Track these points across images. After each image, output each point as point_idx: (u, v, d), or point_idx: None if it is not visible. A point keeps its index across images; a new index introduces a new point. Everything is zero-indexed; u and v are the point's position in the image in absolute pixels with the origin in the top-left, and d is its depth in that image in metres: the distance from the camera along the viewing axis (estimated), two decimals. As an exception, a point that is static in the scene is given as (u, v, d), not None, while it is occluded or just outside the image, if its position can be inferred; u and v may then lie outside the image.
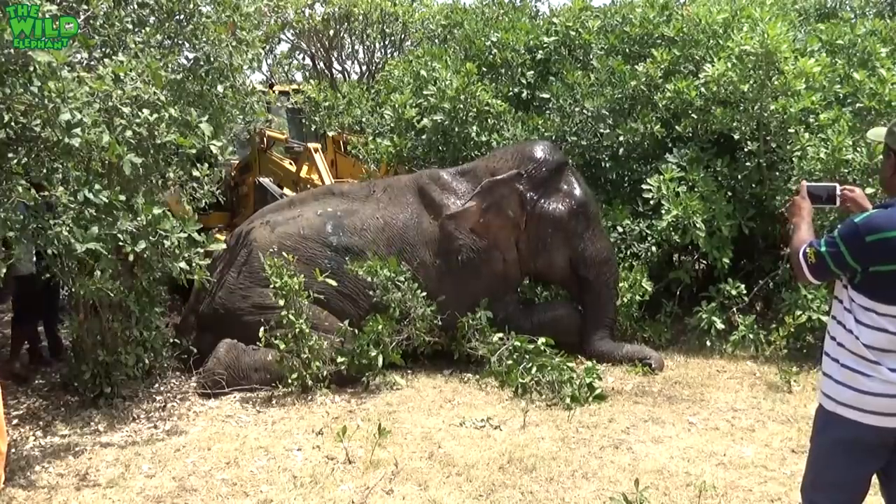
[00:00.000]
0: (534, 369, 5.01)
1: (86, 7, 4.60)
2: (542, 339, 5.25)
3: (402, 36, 16.24)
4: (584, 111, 6.98)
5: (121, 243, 3.98)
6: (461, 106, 7.03)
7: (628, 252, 6.50)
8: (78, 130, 3.54)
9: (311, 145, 8.62)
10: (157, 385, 5.23)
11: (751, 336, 5.82)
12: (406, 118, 7.49)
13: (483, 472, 3.73)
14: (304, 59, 18.27)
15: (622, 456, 3.94)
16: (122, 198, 3.92)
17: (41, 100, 3.51)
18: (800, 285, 5.68)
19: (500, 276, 5.74)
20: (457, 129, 7.13)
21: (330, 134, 9.76)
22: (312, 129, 9.96)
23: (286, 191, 8.35)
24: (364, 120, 9.30)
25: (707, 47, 6.80)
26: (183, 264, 4.22)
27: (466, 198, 5.78)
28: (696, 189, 6.21)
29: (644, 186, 6.33)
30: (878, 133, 2.32)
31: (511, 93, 7.60)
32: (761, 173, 6.39)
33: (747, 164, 6.45)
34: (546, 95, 7.33)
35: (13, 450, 4.00)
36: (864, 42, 6.77)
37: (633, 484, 3.25)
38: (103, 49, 4.83)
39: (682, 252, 7.18)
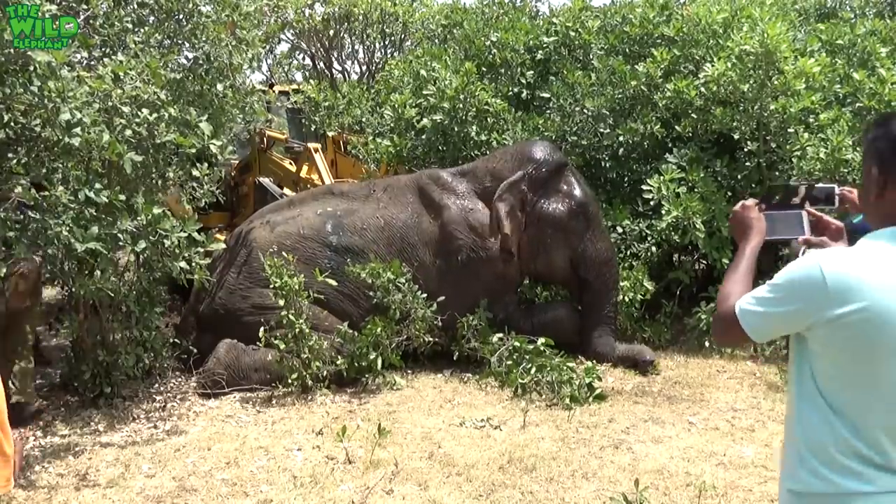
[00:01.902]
0: (533, 370, 5.01)
1: (86, 7, 4.60)
2: (541, 340, 5.25)
3: (402, 36, 16.25)
4: (585, 111, 6.98)
5: (121, 243, 3.98)
6: (461, 106, 7.03)
7: (628, 252, 6.50)
8: (78, 130, 3.55)
9: (311, 145, 8.63)
10: (157, 385, 5.22)
11: (750, 336, 5.81)
12: (406, 118, 7.50)
13: (483, 472, 3.73)
14: (304, 59, 18.30)
15: (622, 456, 3.94)
16: (122, 197, 3.92)
17: (41, 100, 3.52)
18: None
19: (499, 276, 5.73)
20: (456, 129, 7.14)
21: (330, 134, 9.77)
22: (312, 129, 9.96)
23: (286, 191, 8.35)
24: (364, 120, 9.31)
25: (707, 47, 6.80)
26: (183, 264, 4.22)
27: (466, 198, 5.78)
28: (696, 189, 6.22)
29: (644, 187, 6.34)
30: None
31: (511, 93, 7.60)
32: (761, 173, 6.40)
33: (747, 164, 6.45)
34: (546, 95, 7.34)
35: (13, 450, 4.00)
36: (864, 42, 6.79)
37: (633, 484, 3.25)
38: (103, 49, 4.83)
39: (682, 252, 7.19)
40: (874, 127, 1.55)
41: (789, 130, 6.18)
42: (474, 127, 7.11)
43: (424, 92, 7.32)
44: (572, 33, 7.67)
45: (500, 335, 5.45)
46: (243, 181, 9.24)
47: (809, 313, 1.43)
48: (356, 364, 5.12)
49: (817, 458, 1.47)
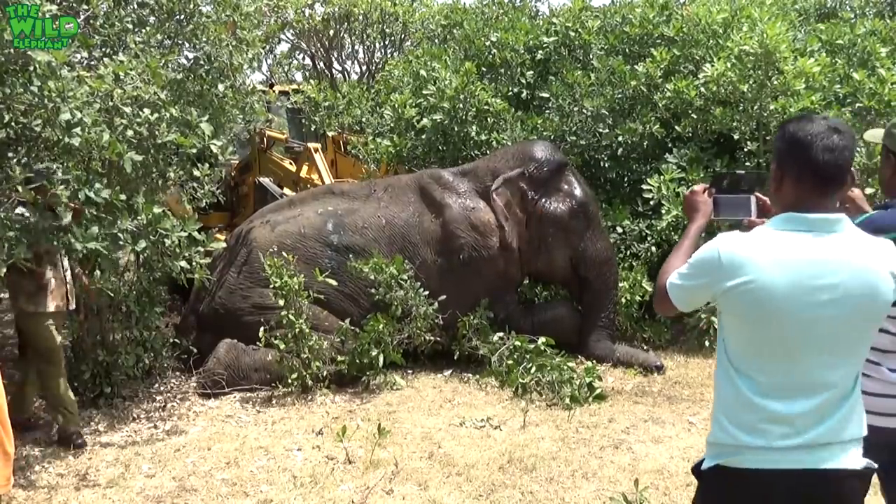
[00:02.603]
0: (534, 369, 5.01)
1: (86, 7, 4.60)
2: (542, 339, 5.25)
3: (402, 36, 16.25)
4: (584, 111, 6.99)
5: (121, 243, 3.98)
6: (461, 106, 7.04)
7: (628, 252, 6.50)
8: (78, 130, 3.54)
9: (311, 145, 8.63)
10: (157, 385, 5.22)
11: (750, 336, 5.82)
12: (406, 118, 7.50)
13: (483, 472, 3.73)
14: (304, 59, 18.29)
15: (622, 456, 3.94)
16: (123, 197, 3.92)
17: (41, 100, 3.51)
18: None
19: (501, 275, 5.74)
20: (456, 129, 7.14)
21: (330, 134, 9.77)
22: (312, 129, 9.96)
23: (286, 191, 8.35)
24: (364, 120, 9.31)
25: (707, 47, 6.81)
26: (183, 263, 4.22)
27: (467, 197, 5.79)
28: (695, 189, 6.21)
29: (644, 186, 6.34)
30: (875, 134, 2.32)
31: (510, 92, 7.61)
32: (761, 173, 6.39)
33: (747, 164, 6.46)
34: (546, 95, 7.34)
35: (13, 450, 4.00)
36: (864, 42, 6.79)
37: (633, 484, 3.25)
38: (103, 49, 4.83)
39: (681, 252, 7.17)
40: (778, 130, 1.76)
41: (789, 130, 6.17)
42: (474, 127, 7.11)
43: (424, 92, 7.32)
44: (572, 34, 7.67)
45: (501, 334, 5.45)
46: (243, 181, 9.24)
47: (711, 285, 1.68)
48: (357, 361, 5.11)
49: (724, 414, 1.70)
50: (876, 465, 1.77)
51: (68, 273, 4.37)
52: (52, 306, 4.23)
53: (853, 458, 1.65)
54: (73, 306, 4.43)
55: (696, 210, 1.98)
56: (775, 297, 1.60)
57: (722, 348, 1.72)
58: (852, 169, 1.70)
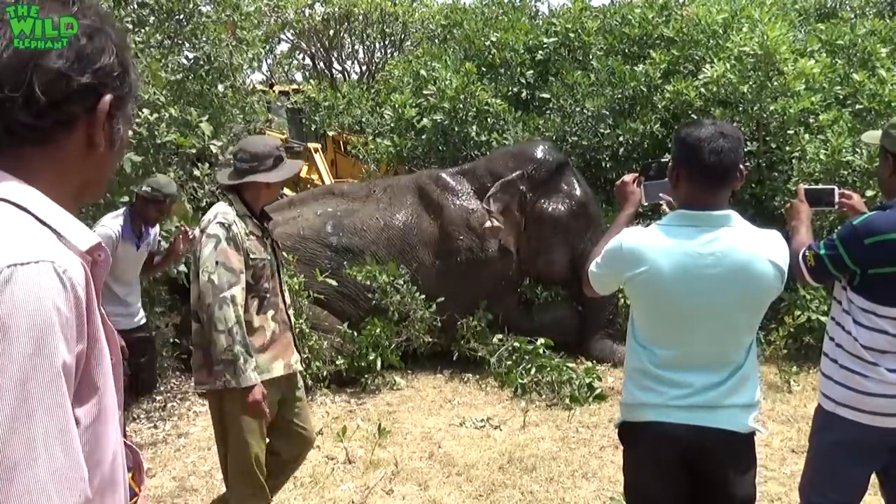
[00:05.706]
0: (533, 370, 5.01)
1: (86, 7, 4.60)
2: (541, 340, 5.25)
3: (402, 36, 16.27)
4: (584, 111, 6.99)
5: None
6: (461, 106, 7.04)
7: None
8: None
9: (311, 145, 8.64)
10: (157, 385, 5.22)
11: (750, 336, 5.82)
12: (406, 118, 7.51)
13: (483, 472, 3.73)
14: (304, 59, 18.31)
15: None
16: (125, 199, 3.92)
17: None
18: (798, 286, 5.68)
19: (499, 276, 5.73)
20: (456, 129, 7.14)
21: (330, 134, 9.78)
22: (312, 129, 9.97)
23: (286, 191, 8.36)
24: (364, 120, 9.32)
25: (706, 48, 6.81)
26: (182, 267, 4.23)
27: (466, 198, 5.79)
28: (695, 189, 6.22)
29: (644, 186, 6.34)
30: (872, 136, 2.33)
31: (510, 93, 7.61)
32: (760, 174, 6.40)
33: (747, 163, 6.46)
34: (546, 95, 7.34)
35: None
36: (864, 42, 6.79)
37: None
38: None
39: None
40: (674, 135, 1.94)
41: (789, 131, 6.18)
42: (474, 127, 7.12)
43: (424, 92, 7.33)
44: (572, 34, 7.67)
45: (500, 335, 5.45)
46: (243, 181, 9.23)
47: (618, 274, 1.93)
48: (355, 364, 5.11)
49: (631, 379, 1.96)
50: (765, 431, 2.06)
51: (290, 312, 2.80)
52: (276, 369, 2.59)
53: (738, 421, 1.86)
54: (296, 366, 2.72)
55: (626, 199, 2.20)
56: (665, 285, 1.83)
57: (631, 326, 1.98)
58: (741, 166, 1.87)
